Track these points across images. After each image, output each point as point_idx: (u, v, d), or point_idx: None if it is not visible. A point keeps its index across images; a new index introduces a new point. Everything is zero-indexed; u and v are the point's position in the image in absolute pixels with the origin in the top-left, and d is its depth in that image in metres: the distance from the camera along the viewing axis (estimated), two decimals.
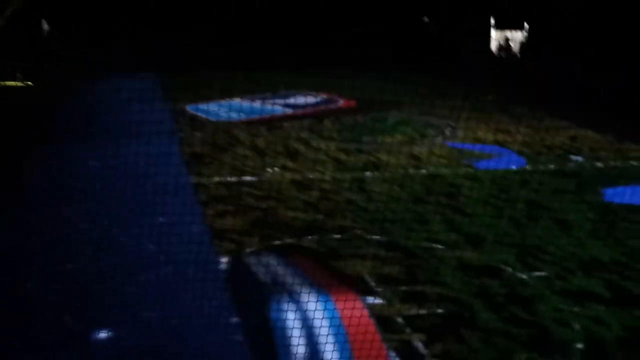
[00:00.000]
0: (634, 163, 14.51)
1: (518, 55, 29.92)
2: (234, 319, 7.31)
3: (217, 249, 9.27)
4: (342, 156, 14.38)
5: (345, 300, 7.64)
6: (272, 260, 8.94)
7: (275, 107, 20.45)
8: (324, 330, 7.03)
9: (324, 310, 7.46)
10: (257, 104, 20.41)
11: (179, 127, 17.24)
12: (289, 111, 19.99)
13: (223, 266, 8.73)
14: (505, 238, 9.95)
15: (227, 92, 21.03)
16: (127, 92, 19.28)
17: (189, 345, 6.66)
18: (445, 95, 21.18)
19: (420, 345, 6.90)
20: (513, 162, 14.11)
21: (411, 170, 13.41)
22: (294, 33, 29.18)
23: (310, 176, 12.83)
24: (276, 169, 13.30)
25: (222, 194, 11.74)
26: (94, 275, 8.10)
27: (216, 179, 12.57)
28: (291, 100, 21.44)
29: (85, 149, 14.27)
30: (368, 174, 13.09)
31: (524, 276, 8.66)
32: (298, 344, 6.73)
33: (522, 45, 29.40)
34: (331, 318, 7.33)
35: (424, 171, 13.41)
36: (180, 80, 24.33)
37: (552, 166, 14.04)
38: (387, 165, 13.74)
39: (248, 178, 12.62)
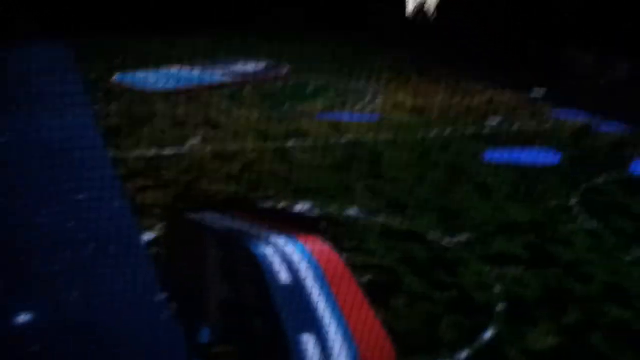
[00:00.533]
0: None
1: (433, 17, 30.17)
2: (160, 296, 7.24)
3: (139, 224, 9.10)
4: (264, 125, 14.25)
5: (309, 239, 8.26)
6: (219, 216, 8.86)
7: (214, 75, 20.01)
8: (301, 264, 7.66)
9: (294, 247, 8.12)
10: (193, 73, 19.99)
11: (96, 98, 16.71)
12: (228, 80, 19.58)
13: (145, 241, 8.58)
14: (427, 203, 10.13)
15: (157, 61, 20.51)
16: (39, 61, 18.59)
17: (114, 323, 6.55)
18: (364, 60, 21.33)
19: None
20: None
21: (333, 139, 13.44)
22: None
23: (232, 147, 12.69)
24: (197, 141, 13.08)
25: (142, 167, 11.48)
26: (12, 257, 7.84)
27: (135, 152, 12.27)
28: (231, 68, 21.00)
29: None
30: (290, 143, 13.03)
31: (447, 241, 8.85)
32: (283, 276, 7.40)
33: (437, 7, 29.63)
34: (302, 253, 7.92)
35: (345, 139, 13.46)
36: (99, 49, 23.52)
37: (470, 130, 14.32)
38: (309, 133, 13.72)
39: (168, 151, 12.38)
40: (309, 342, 6.59)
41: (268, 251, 8.16)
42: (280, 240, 8.39)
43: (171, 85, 18.36)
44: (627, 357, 6.48)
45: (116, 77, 19.28)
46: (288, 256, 8.03)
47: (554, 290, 7.72)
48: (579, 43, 21.25)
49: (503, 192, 10.69)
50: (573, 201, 10.33)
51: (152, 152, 12.27)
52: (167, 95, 17.11)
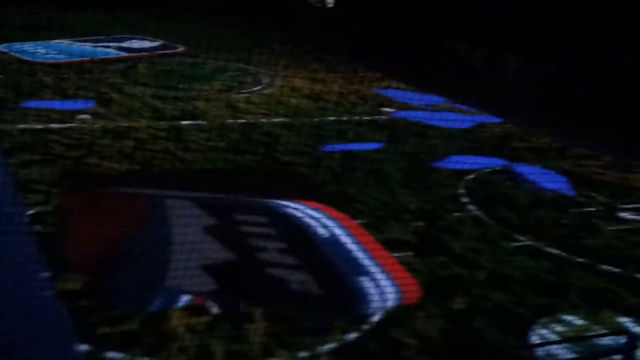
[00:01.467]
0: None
1: (332, 4, 30.30)
2: (44, 274, 6.98)
3: (23, 200, 8.72)
4: (158, 104, 13.95)
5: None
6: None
7: (108, 50, 19.36)
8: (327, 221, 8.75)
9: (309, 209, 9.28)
10: (85, 46, 19.29)
11: None
12: (124, 54, 19.00)
13: (28, 219, 8.24)
14: (323, 187, 10.19)
15: (48, 33, 19.69)
16: None
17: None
18: (261, 44, 21.23)
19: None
20: None
21: (229, 120, 13.31)
22: None
23: (124, 124, 12.35)
24: (87, 116, 12.65)
25: (28, 141, 11.00)
26: None
27: (21, 125, 11.75)
28: (126, 44, 20.38)
29: None
30: (185, 122, 12.81)
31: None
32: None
33: None
34: (319, 213, 9.20)
35: (241, 121, 13.36)
36: None
37: (366, 117, 14.50)
38: (205, 114, 13.53)
39: (56, 125, 11.91)
40: (364, 283, 7.54)
41: (297, 212, 9.20)
42: (296, 204, 9.40)
43: (62, 58, 17.71)
44: (509, 341, 6.72)
45: (2, 47, 18.40)
46: (313, 215, 9.10)
47: (440, 275, 7.93)
48: (473, 38, 21.80)
49: (396, 180, 10.89)
50: (460, 191, 10.64)
51: (39, 126, 11.79)
52: (57, 68, 16.49)
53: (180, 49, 20.33)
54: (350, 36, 22.07)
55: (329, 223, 8.95)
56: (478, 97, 16.63)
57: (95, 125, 12.10)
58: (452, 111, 15.49)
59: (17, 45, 18.58)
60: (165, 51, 20.05)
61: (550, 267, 8.34)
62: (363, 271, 7.85)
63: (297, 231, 8.79)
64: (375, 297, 7.29)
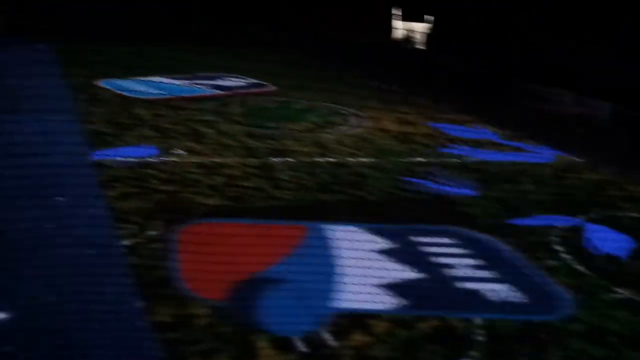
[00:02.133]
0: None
1: (421, 46, 30.45)
2: (138, 304, 7.15)
3: (118, 231, 9.00)
4: (249, 141, 14.23)
5: None
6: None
7: (204, 87, 19.99)
8: None
9: None
10: (182, 83, 19.97)
11: (81, 103, 16.61)
12: (219, 92, 19.57)
13: (123, 250, 8.48)
14: None
15: (143, 70, 20.56)
16: (22, 64, 18.46)
17: (90, 328, 6.46)
18: (349, 84, 21.46)
19: None
20: None
21: (318, 158, 13.42)
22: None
23: (216, 160, 12.63)
24: (181, 151, 13.02)
25: (124, 175, 11.39)
26: None
27: (118, 159, 12.18)
28: (219, 82, 20.99)
29: None
30: (274, 160, 13.00)
31: None
32: None
33: (427, 36, 29.92)
34: None
35: (330, 159, 13.45)
36: (85, 54, 23.46)
37: (455, 160, 14.36)
38: (294, 152, 13.69)
39: (151, 159, 12.30)
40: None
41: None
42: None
43: (156, 94, 18.34)
44: None
45: (101, 82, 19.21)
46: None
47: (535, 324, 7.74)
48: (562, 83, 21.53)
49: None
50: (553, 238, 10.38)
51: (135, 159, 12.19)
52: (152, 104, 17.07)
53: (270, 87, 20.72)
54: (440, 77, 22.09)
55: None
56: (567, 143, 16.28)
57: (189, 161, 12.42)
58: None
59: (117, 82, 19.35)
60: (256, 90, 20.48)
61: None
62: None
63: (484, 246, 9.17)
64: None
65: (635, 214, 11.85)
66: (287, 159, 13.09)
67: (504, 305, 7.78)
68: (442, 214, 10.78)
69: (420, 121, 17.33)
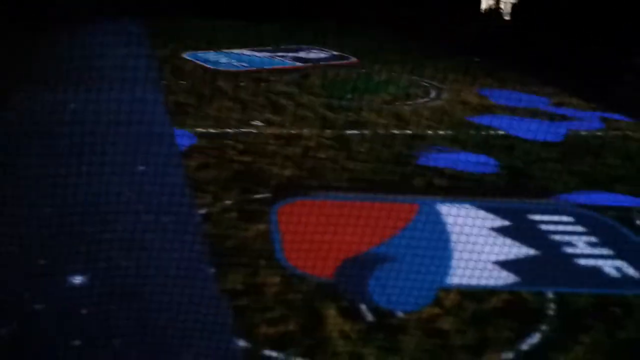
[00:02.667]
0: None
1: (508, 18, 29.66)
2: (211, 270, 7.32)
3: (195, 200, 9.21)
4: (327, 113, 14.26)
5: None
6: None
7: (285, 60, 20.14)
8: None
9: None
10: (265, 56, 20.17)
11: (165, 75, 16.99)
12: (299, 64, 19.66)
13: (199, 218, 8.67)
14: None
15: (226, 43, 20.84)
16: (110, 37, 18.92)
17: (165, 292, 6.62)
18: (431, 56, 21.15)
19: None
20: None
21: (395, 131, 13.34)
22: None
23: (293, 132, 12.72)
24: (260, 122, 13.16)
25: (204, 145, 11.61)
26: (71, 220, 7.98)
27: (199, 129, 12.42)
28: (301, 54, 21.09)
29: (64, 94, 13.95)
30: (351, 132, 12.99)
31: None
32: None
33: (514, 8, 29.12)
34: None
35: (407, 132, 13.35)
36: (170, 28, 23.90)
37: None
38: (371, 124, 13.64)
39: (231, 130, 12.49)
40: None
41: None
42: None
43: (239, 66, 18.55)
44: None
45: (186, 55, 19.57)
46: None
47: None
48: None
49: None
50: None
51: (215, 130, 12.41)
52: (234, 76, 17.28)
53: (353, 59, 20.65)
54: (524, 51, 21.48)
55: None
56: None
57: (267, 132, 12.55)
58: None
59: (201, 54, 19.67)
60: (339, 62, 20.45)
61: None
62: None
63: (604, 225, 9.28)
64: None
65: None
66: (363, 131, 13.08)
67: (622, 281, 7.84)
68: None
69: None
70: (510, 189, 10.60)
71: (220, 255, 7.68)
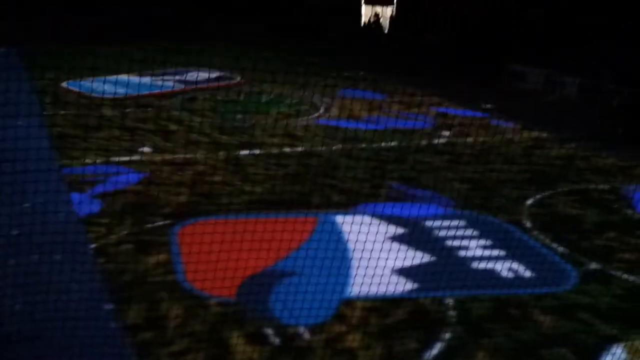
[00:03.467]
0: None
1: (387, 30, 30.40)
2: (108, 306, 7.08)
3: (86, 234, 8.88)
4: (217, 135, 14.12)
5: None
6: None
7: (170, 83, 19.74)
8: None
9: None
10: (149, 80, 19.68)
11: (45, 106, 16.37)
12: (185, 87, 19.31)
13: (91, 252, 8.38)
14: None
15: (107, 69, 20.20)
16: None
17: (61, 334, 6.34)
18: (317, 72, 21.29)
19: None
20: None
21: (287, 149, 13.35)
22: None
23: (184, 156, 12.51)
24: (148, 149, 12.87)
25: (91, 176, 11.23)
26: None
27: (84, 160, 12.01)
28: (186, 77, 20.69)
29: None
30: (243, 153, 12.90)
31: None
32: None
33: (392, 20, 29.87)
34: None
35: (299, 149, 13.38)
36: (48, 57, 23.06)
37: (424, 142, 14.39)
38: (263, 143, 13.61)
39: (119, 159, 12.15)
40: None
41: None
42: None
43: (121, 92, 18.09)
44: None
45: (65, 84, 18.94)
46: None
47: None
48: (530, 59, 21.62)
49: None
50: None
51: (102, 160, 12.04)
52: (120, 103, 16.86)
53: (240, 79, 20.56)
54: (405, 61, 22.07)
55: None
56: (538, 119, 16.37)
57: (158, 158, 12.29)
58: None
59: (83, 82, 19.07)
60: (225, 82, 20.30)
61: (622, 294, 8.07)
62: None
63: (496, 228, 9.68)
64: None
65: None
66: (256, 151, 13.02)
67: (515, 281, 8.15)
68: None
69: (388, 104, 17.35)
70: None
71: (118, 290, 7.42)
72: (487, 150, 13.75)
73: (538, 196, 11.29)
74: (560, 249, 9.17)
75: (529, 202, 11.00)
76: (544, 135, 15.65)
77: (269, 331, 6.73)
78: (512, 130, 15.82)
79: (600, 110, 17.57)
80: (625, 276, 8.44)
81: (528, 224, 10.01)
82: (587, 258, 8.91)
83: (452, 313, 7.28)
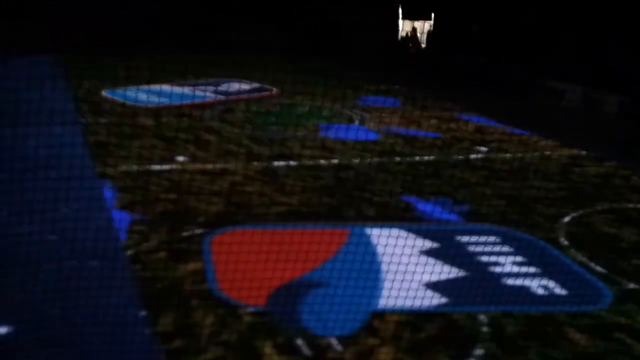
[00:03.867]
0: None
1: (424, 45, 30.35)
2: (142, 313, 7.12)
3: (123, 241, 8.97)
4: (253, 146, 14.19)
5: None
6: None
7: (206, 93, 19.93)
8: None
9: None
10: (185, 90, 19.90)
11: (84, 113, 16.60)
12: (221, 98, 19.49)
13: (126, 260, 8.44)
14: None
15: (146, 78, 20.48)
16: (28, 75, 18.44)
17: (94, 340, 6.40)
18: (354, 85, 21.36)
19: None
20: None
21: (322, 161, 13.36)
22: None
23: (220, 166, 12.58)
24: (185, 158, 12.98)
25: (129, 184, 11.35)
26: None
27: (122, 168, 12.15)
28: (222, 87, 20.91)
29: None
30: (278, 164, 12.94)
31: None
32: None
33: (429, 35, 29.82)
34: None
35: (334, 161, 13.38)
36: (89, 66, 23.40)
37: (461, 157, 14.31)
38: (298, 155, 13.63)
39: (156, 167, 12.26)
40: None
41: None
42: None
43: (160, 102, 18.28)
44: None
45: (105, 93, 19.21)
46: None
47: None
48: (566, 75, 21.44)
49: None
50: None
51: (140, 168, 12.15)
52: (156, 112, 17.04)
53: (275, 90, 20.67)
54: (440, 77, 22.02)
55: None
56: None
57: (193, 168, 12.37)
58: None
59: (119, 91, 19.32)
60: (261, 94, 20.43)
61: None
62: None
63: (529, 245, 9.55)
64: None
65: None
66: (290, 162, 13.06)
67: (551, 299, 8.06)
68: None
69: (425, 118, 17.31)
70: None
71: (151, 297, 7.47)
72: (525, 167, 13.63)
73: (575, 214, 11.15)
74: (597, 267, 9.04)
75: (566, 219, 10.87)
76: (583, 153, 15.48)
77: (300, 342, 6.71)
78: (550, 146, 15.68)
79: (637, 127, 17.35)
80: None
81: (565, 242, 9.89)
82: (623, 277, 8.77)
83: (485, 329, 7.19)
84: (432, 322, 7.29)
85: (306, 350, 6.59)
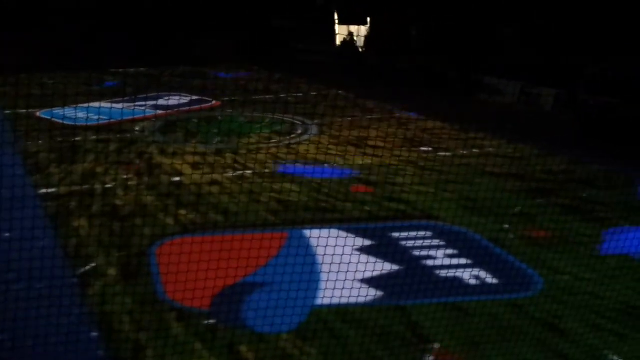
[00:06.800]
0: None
1: (362, 49, 30.53)
2: (94, 334, 6.94)
3: (70, 262, 8.74)
4: (198, 159, 14.03)
5: None
6: None
7: (145, 109, 19.56)
8: None
9: None
10: (121, 106, 19.56)
11: (21, 135, 16.17)
12: (159, 112, 19.18)
13: (76, 280, 8.24)
14: None
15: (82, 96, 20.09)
16: None
17: None
18: (296, 92, 21.36)
19: None
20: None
21: (268, 170, 13.29)
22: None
23: (167, 180, 12.40)
24: (129, 174, 12.74)
25: (72, 204, 11.08)
26: None
27: (64, 189, 11.85)
28: (161, 102, 20.56)
29: None
30: (227, 175, 12.82)
31: None
32: None
33: (366, 39, 30.00)
34: None
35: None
36: (20, 86, 22.76)
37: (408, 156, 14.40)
38: (246, 165, 13.54)
39: (99, 186, 11.99)
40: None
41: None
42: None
43: (97, 120, 17.94)
44: None
45: (40, 113, 18.74)
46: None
47: None
48: (502, 71, 21.82)
49: None
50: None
51: (83, 188, 11.87)
52: (94, 130, 16.72)
53: (214, 102, 20.49)
54: (381, 80, 22.19)
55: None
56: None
57: (140, 185, 12.16)
58: None
59: (56, 111, 18.84)
60: (200, 106, 20.23)
61: None
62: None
63: (461, 237, 9.72)
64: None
65: None
66: (236, 172, 12.95)
67: (482, 288, 8.23)
68: None
69: (368, 123, 17.38)
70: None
71: (102, 316, 7.30)
72: (467, 164, 13.76)
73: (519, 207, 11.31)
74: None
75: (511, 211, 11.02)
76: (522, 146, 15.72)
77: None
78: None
79: (577, 120, 17.72)
80: None
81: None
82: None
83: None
84: (366, 314, 7.44)
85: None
